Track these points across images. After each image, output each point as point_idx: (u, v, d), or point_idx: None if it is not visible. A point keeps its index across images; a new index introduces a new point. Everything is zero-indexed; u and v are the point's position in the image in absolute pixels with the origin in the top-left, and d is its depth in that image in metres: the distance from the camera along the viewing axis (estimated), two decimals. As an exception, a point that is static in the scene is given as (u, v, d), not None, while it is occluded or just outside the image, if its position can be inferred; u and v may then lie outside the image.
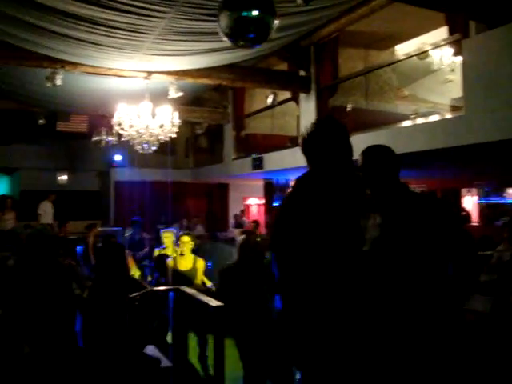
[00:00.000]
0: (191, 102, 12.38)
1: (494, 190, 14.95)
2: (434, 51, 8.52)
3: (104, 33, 6.08)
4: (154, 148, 8.95)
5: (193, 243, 7.18)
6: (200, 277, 7.05)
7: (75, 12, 5.47)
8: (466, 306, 3.32)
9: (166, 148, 11.90)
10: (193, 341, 6.08)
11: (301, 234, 2.60)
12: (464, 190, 15.96)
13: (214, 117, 14.01)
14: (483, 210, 15.45)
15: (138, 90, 8.58)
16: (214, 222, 17.36)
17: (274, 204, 13.41)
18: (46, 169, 16.42)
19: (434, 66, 9.09)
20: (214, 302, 4.28)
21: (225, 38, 4.38)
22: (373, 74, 9.35)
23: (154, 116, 8.67)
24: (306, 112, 10.23)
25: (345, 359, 2.57)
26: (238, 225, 15.56)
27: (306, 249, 2.58)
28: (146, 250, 10.13)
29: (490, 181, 14.10)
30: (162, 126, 8.65)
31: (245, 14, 4.18)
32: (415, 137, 7.66)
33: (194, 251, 7.28)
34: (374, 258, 2.81)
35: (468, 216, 14.87)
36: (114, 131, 9.67)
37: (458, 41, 7.24)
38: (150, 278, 8.50)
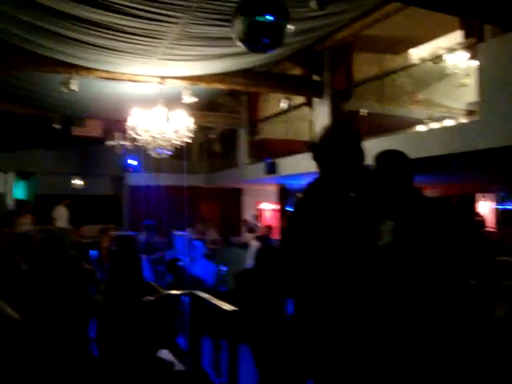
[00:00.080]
0: (205, 107, 12.41)
1: (509, 195, 14.81)
2: (449, 55, 8.47)
3: (118, 38, 6.12)
4: (168, 153, 8.98)
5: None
6: None
7: (90, 18, 5.53)
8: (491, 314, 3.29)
9: (180, 153, 11.93)
10: (206, 345, 6.08)
11: (310, 239, 2.58)
12: (479, 195, 15.83)
13: (228, 122, 14.04)
14: (498, 214, 15.31)
15: (152, 94, 8.62)
16: (227, 226, 17.36)
17: (288, 209, 13.39)
18: (62, 173, 16.55)
19: (449, 71, 9.04)
20: (228, 307, 4.27)
21: (239, 43, 4.39)
22: (387, 78, 9.32)
23: (168, 121, 8.70)
24: (320, 117, 10.21)
25: (358, 366, 2.56)
26: (249, 230, 15.51)
27: (315, 255, 2.57)
28: (159, 253, 10.16)
29: (505, 186, 13.98)
30: (176, 131, 8.68)
31: (259, 18, 4.19)
32: (430, 141, 7.62)
33: (208, 256, 7.30)
34: (387, 263, 2.80)
35: (483, 221, 14.75)
36: (128, 136, 9.72)
37: (473, 45, 7.21)
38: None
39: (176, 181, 15.10)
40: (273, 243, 8.49)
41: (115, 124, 12.75)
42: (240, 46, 4.50)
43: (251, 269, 5.09)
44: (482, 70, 6.92)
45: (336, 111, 10.03)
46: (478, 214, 15.10)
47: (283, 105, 11.41)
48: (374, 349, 2.58)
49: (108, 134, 14.76)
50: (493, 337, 4.01)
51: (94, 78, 8.09)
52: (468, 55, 8.13)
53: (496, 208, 15.50)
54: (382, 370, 2.62)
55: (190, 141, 9.06)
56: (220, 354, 6.24)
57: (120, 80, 8.15)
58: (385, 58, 10.76)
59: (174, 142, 8.78)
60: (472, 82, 7.66)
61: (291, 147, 11.87)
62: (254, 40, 4.36)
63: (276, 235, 12.79)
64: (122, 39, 6.16)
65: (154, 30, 5.92)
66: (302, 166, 10.21)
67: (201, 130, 14.49)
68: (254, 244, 9.90)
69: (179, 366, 4.95)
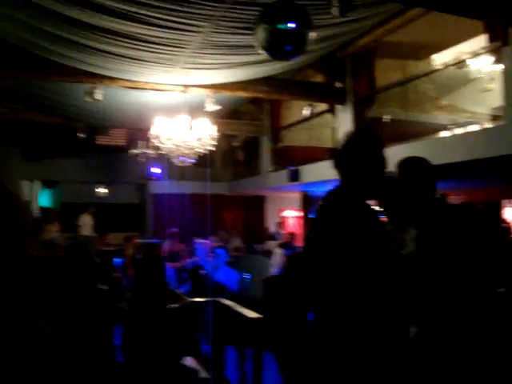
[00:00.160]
0: (228, 115, 12.45)
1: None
2: (473, 60, 8.40)
3: (142, 48, 6.18)
4: (191, 161, 9.03)
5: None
6: None
7: (113, 28, 5.59)
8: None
9: (204, 161, 11.99)
10: (230, 352, 6.07)
11: (329, 248, 2.57)
12: (505, 202, 15.62)
13: (251, 129, 14.06)
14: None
15: (175, 103, 8.68)
16: (250, 234, 17.36)
17: (311, 216, 13.35)
18: (86, 182, 16.73)
19: (473, 75, 8.96)
20: (252, 314, 4.27)
21: (261, 51, 4.41)
22: (410, 84, 9.27)
23: (191, 129, 8.75)
24: (343, 124, 10.18)
25: (381, 373, 2.54)
26: (270, 237, 15.48)
27: (334, 264, 2.55)
28: (182, 261, 10.20)
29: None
30: (199, 139, 8.72)
31: (281, 26, 4.20)
32: (454, 147, 7.55)
33: (232, 263, 7.30)
34: (411, 271, 2.78)
35: (509, 228, 14.54)
36: (151, 144, 9.79)
37: (497, 48, 7.14)
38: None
39: (199, 189, 15.17)
40: (296, 250, 8.46)
41: (139, 133, 12.86)
42: (263, 54, 4.52)
43: (280, 276, 5.07)
44: (507, 74, 6.84)
45: (359, 118, 9.99)
46: (504, 221, 14.89)
47: (306, 112, 11.41)
48: (398, 358, 2.56)
49: (132, 143, 14.88)
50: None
51: (117, 88, 8.17)
52: (492, 59, 8.05)
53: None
54: (407, 379, 2.60)
55: (213, 149, 9.09)
56: (244, 361, 6.24)
57: (143, 89, 8.22)
58: (407, 64, 10.70)
59: (197, 150, 8.82)
60: (497, 87, 7.59)
61: (314, 154, 11.84)
62: (276, 48, 4.38)
63: (299, 242, 12.77)
64: (146, 49, 6.22)
65: (177, 40, 5.97)
66: (325, 174, 10.17)
67: (224, 137, 14.54)
68: (278, 251, 9.90)
69: (203, 374, 4.96)
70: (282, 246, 10.46)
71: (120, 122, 12.15)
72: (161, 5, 5.06)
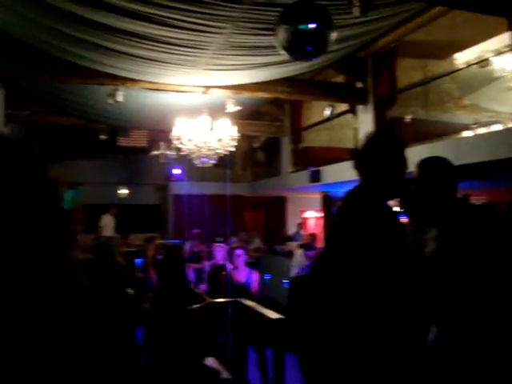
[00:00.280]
0: (248, 115, 12.46)
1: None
2: (496, 58, 8.30)
3: (163, 49, 6.21)
4: (212, 162, 9.05)
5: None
6: None
7: (135, 30, 5.62)
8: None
9: (224, 162, 12.02)
10: (252, 353, 6.07)
11: (347, 248, 2.56)
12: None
13: (272, 130, 14.07)
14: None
15: (196, 104, 8.71)
16: (271, 235, 17.36)
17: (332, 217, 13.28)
18: (107, 183, 16.86)
19: (496, 74, 8.85)
20: (274, 315, 4.27)
21: (282, 52, 4.40)
22: (432, 83, 9.19)
23: (212, 130, 8.77)
24: (364, 124, 10.13)
25: (401, 372, 2.52)
26: (288, 238, 15.44)
27: (352, 264, 2.54)
28: (204, 262, 10.21)
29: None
30: (220, 140, 8.74)
31: (302, 27, 4.19)
32: (477, 147, 7.46)
33: (252, 264, 7.29)
34: (432, 271, 2.76)
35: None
36: (172, 145, 9.83)
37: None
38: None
39: (220, 189, 15.21)
40: (320, 251, 8.44)
41: (160, 134, 12.92)
42: (283, 55, 4.51)
43: (306, 276, 5.06)
44: (531, 73, 6.76)
45: (380, 118, 9.93)
46: (527, 221, 14.69)
47: (327, 112, 11.38)
48: (419, 359, 2.54)
49: (153, 144, 14.97)
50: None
51: (138, 89, 8.22)
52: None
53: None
54: (427, 379, 2.58)
55: (233, 149, 9.10)
56: (265, 362, 6.24)
57: (165, 90, 8.26)
58: (429, 63, 10.61)
59: (218, 151, 8.84)
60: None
61: (335, 155, 11.80)
62: (297, 48, 4.37)
63: (320, 243, 12.72)
64: (167, 50, 6.25)
65: (198, 41, 5.98)
66: (346, 174, 10.12)
67: (244, 138, 14.56)
68: (299, 252, 9.88)
69: (225, 374, 4.97)
70: (303, 246, 10.44)
71: (141, 124, 12.22)
72: (181, 6, 5.08)
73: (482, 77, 9.25)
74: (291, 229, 16.75)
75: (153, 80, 7.71)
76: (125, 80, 7.70)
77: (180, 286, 4.58)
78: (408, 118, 9.83)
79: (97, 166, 16.57)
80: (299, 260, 9.43)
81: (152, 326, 4.45)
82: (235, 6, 5.08)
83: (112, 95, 7.98)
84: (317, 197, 14.82)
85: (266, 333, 4.83)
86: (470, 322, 2.69)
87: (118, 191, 17.40)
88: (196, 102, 8.71)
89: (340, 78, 11.17)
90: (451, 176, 2.93)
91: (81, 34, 5.88)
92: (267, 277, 7.95)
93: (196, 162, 9.11)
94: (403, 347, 2.49)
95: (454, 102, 9.72)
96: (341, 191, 13.28)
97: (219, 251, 8.20)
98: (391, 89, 9.99)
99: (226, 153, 9.05)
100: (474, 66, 8.44)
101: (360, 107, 10.39)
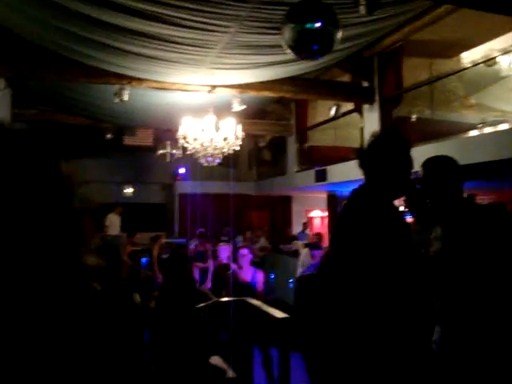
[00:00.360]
0: (254, 114, 12.45)
1: None
2: (503, 57, 8.27)
3: (169, 49, 6.21)
4: (217, 161, 9.05)
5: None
6: None
7: (141, 29, 5.63)
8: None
9: (229, 161, 12.02)
10: (257, 352, 6.07)
11: (352, 247, 2.56)
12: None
13: (277, 129, 14.05)
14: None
15: (201, 103, 8.71)
16: (277, 234, 17.35)
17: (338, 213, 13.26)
18: (113, 182, 16.90)
19: (503, 73, 8.82)
20: (280, 314, 4.27)
21: (288, 51, 4.40)
22: (438, 83, 9.16)
23: (217, 129, 8.77)
24: (370, 123, 10.11)
25: (406, 371, 2.52)
26: (293, 238, 15.41)
27: (356, 263, 2.54)
28: (209, 261, 10.22)
29: None
30: (225, 139, 8.74)
31: (308, 26, 4.19)
32: (483, 147, 7.44)
33: (257, 263, 7.29)
34: (437, 270, 2.76)
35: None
36: (178, 145, 9.84)
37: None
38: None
39: (225, 189, 15.20)
40: (325, 250, 8.43)
41: (166, 133, 12.94)
42: (289, 54, 4.51)
43: (313, 275, 5.04)
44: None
45: (386, 117, 9.91)
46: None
47: (332, 112, 11.35)
48: (424, 359, 2.54)
49: (159, 143, 14.99)
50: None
51: (144, 89, 8.23)
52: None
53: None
54: (432, 379, 2.58)
55: (239, 149, 9.10)
56: (271, 361, 6.24)
57: (170, 89, 8.26)
58: (435, 63, 10.58)
59: (223, 150, 8.84)
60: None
61: (341, 154, 11.78)
62: (303, 47, 4.37)
63: (326, 243, 12.71)
64: (173, 49, 6.25)
65: (204, 40, 5.99)
66: (352, 174, 10.08)
67: (250, 137, 14.56)
68: (304, 251, 9.87)
69: (230, 373, 4.97)
70: (308, 246, 10.42)
71: (147, 123, 12.23)
72: (187, 5, 5.08)
73: (488, 76, 9.22)
74: (296, 228, 16.72)
75: (159, 79, 7.72)
76: (131, 79, 7.71)
77: (185, 285, 4.59)
78: (414, 117, 9.81)
79: (103, 165, 16.61)
80: (305, 259, 9.41)
81: (157, 325, 4.45)
82: (242, 4, 5.08)
83: (118, 94, 7.99)
84: (322, 196, 14.81)
85: (271, 332, 4.83)
86: (473, 321, 2.69)
87: (124, 190, 17.43)
88: (202, 101, 8.71)
89: (346, 77, 11.15)
90: (456, 175, 2.92)
91: (88, 34, 5.89)
92: (272, 276, 7.95)
93: (201, 161, 9.11)
94: (408, 346, 2.49)
95: (460, 101, 9.70)
96: (346, 190, 13.22)
97: (224, 250, 8.21)
98: (397, 88, 9.96)
99: (231, 152, 9.05)
100: (481, 65, 8.41)
101: (366, 106, 10.36)
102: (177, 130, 8.88)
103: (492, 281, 2.69)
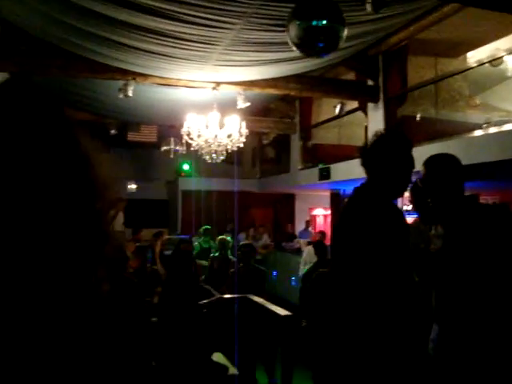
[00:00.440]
0: (258, 112, 12.44)
1: None
2: (509, 57, 8.24)
3: (174, 45, 6.21)
4: (221, 158, 9.05)
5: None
6: None
7: (146, 25, 5.63)
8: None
9: (233, 158, 12.01)
10: (260, 349, 6.07)
11: (352, 245, 2.57)
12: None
13: (281, 127, 14.04)
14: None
15: (206, 100, 8.70)
16: (279, 232, 17.36)
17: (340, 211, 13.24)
18: (116, 177, 16.88)
19: (509, 73, 8.80)
20: (282, 311, 4.27)
21: (294, 48, 4.39)
22: (443, 82, 9.14)
23: (221, 126, 8.76)
24: (374, 122, 10.08)
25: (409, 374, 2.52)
26: (293, 236, 15.39)
27: (357, 261, 2.54)
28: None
29: None
30: (229, 136, 8.73)
31: (314, 23, 4.18)
32: (488, 146, 7.41)
33: (259, 261, 7.30)
34: (438, 268, 2.76)
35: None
36: (182, 141, 9.83)
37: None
38: None
39: (228, 186, 15.22)
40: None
41: (170, 129, 12.93)
42: (294, 51, 4.50)
43: (327, 272, 5.03)
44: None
45: (390, 116, 9.89)
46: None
47: (337, 110, 11.34)
48: (422, 360, 2.55)
49: (162, 140, 14.99)
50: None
51: (148, 85, 8.23)
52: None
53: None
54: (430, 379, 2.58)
55: (242, 146, 9.10)
56: (273, 358, 6.24)
57: (175, 86, 8.26)
58: (441, 62, 10.56)
59: (227, 147, 8.83)
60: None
61: (344, 152, 11.76)
62: (308, 45, 4.36)
63: (328, 241, 12.69)
64: (178, 46, 6.25)
65: (209, 37, 5.98)
66: (355, 172, 10.04)
67: (253, 135, 14.55)
68: (307, 249, 9.87)
69: (233, 370, 4.97)
70: (311, 243, 10.43)
71: (151, 119, 12.23)
72: (193, 2, 5.07)
73: (493, 76, 9.20)
74: (300, 226, 16.71)
75: (163, 75, 7.72)
76: (135, 75, 7.71)
77: (188, 281, 4.59)
78: (418, 116, 9.79)
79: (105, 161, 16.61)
80: (307, 257, 9.41)
81: (160, 321, 4.46)
82: (248, 1, 5.07)
83: (122, 90, 7.99)
84: (326, 194, 14.80)
85: (273, 329, 4.83)
86: (471, 320, 2.69)
87: (127, 186, 17.43)
88: (206, 98, 8.70)
89: (351, 76, 11.13)
90: (458, 173, 2.92)
91: (92, 29, 5.89)
92: (273, 273, 7.96)
93: (206, 157, 9.10)
94: (406, 346, 2.49)
95: (465, 100, 9.68)
96: (350, 189, 13.20)
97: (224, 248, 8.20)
98: (402, 87, 9.94)
99: (235, 149, 9.04)
100: (486, 65, 8.39)
101: (370, 105, 10.34)
102: (181, 127, 8.87)
103: (491, 280, 2.69)
